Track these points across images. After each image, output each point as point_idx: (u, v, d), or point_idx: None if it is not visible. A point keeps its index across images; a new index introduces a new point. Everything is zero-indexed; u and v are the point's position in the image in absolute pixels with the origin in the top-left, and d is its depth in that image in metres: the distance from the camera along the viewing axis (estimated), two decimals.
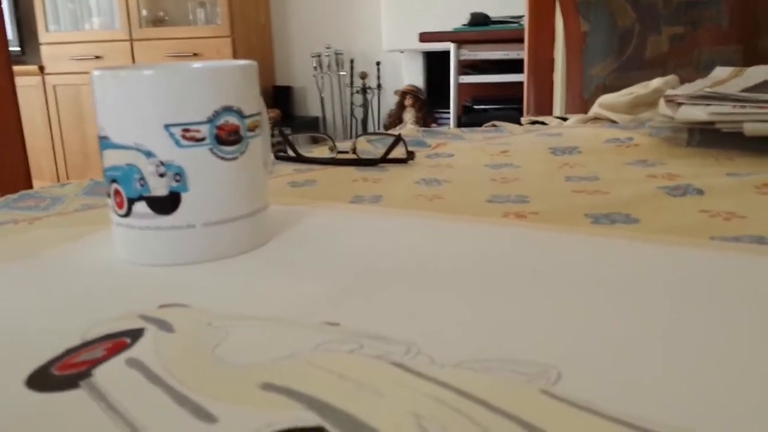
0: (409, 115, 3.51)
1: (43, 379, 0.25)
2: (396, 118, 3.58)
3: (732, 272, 0.33)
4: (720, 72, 0.74)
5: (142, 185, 0.37)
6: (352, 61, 3.92)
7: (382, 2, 3.39)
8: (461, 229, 0.41)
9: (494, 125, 0.93)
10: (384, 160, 0.63)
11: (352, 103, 4.01)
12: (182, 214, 0.37)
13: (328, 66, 3.84)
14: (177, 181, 0.36)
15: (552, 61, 1.08)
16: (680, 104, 0.63)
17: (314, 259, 0.37)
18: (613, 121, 0.90)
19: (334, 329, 0.28)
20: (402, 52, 3.52)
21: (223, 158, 0.37)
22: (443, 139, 0.74)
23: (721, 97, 0.62)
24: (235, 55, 3.49)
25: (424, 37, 2.49)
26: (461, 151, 0.68)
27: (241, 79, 0.38)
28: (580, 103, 1.06)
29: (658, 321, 0.28)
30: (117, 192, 0.38)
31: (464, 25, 2.75)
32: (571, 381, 0.23)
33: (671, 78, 0.87)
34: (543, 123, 0.97)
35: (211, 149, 0.37)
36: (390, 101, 3.74)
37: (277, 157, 0.67)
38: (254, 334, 0.28)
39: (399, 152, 0.64)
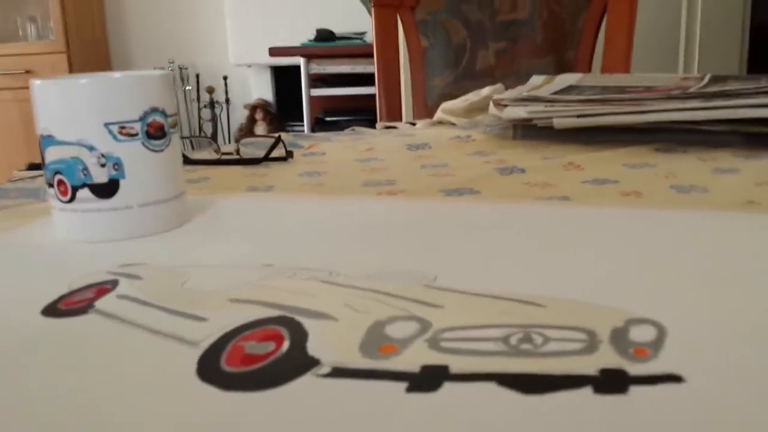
0: (260, 129, 3.56)
1: (55, 311, 0.33)
2: (247, 132, 3.62)
3: (543, 217, 0.46)
4: (535, 80, 0.90)
5: (85, 175, 0.44)
6: (197, 76, 3.91)
7: (227, 17, 3.44)
8: (347, 203, 0.52)
9: (353, 130, 1.05)
10: (267, 158, 0.73)
11: (200, 118, 3.99)
12: (121, 198, 0.45)
13: (173, 81, 3.81)
14: (116, 169, 0.44)
15: (398, 73, 1.22)
16: (505, 106, 0.78)
17: (235, 230, 0.46)
18: (453, 124, 1.05)
19: (271, 267, 0.38)
20: (249, 66, 3.58)
21: (152, 150, 0.45)
22: (314, 141, 0.85)
23: (535, 99, 0.77)
24: (71, 72, 3.36)
25: (274, 51, 2.59)
26: (332, 150, 0.79)
27: (162, 85, 0.46)
28: (424, 109, 1.20)
29: (500, 244, 0.40)
30: (61, 182, 0.44)
31: (311, 40, 2.87)
32: (444, 280, 0.34)
33: (498, 86, 1.03)
34: (395, 128, 1.10)
35: (142, 143, 0.45)
36: (240, 115, 3.77)
37: None
38: (211, 274, 0.37)
39: (278, 152, 0.73)
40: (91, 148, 0.44)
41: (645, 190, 0.54)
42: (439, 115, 1.08)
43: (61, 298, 0.35)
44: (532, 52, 1.17)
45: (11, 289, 0.37)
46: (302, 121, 3.02)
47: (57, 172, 0.45)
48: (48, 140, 0.44)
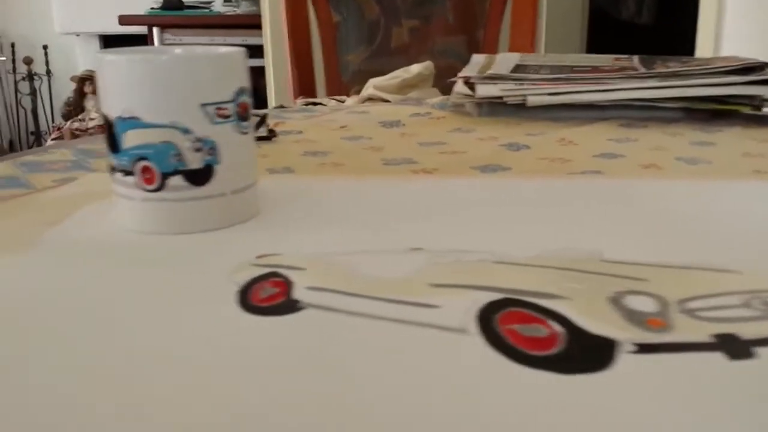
0: (92, 103, 3.29)
1: (258, 309, 0.30)
2: (76, 107, 3.32)
3: (584, 189, 0.50)
4: (477, 58, 0.94)
5: (178, 160, 0.40)
6: (12, 45, 3.53)
7: None
8: (404, 182, 0.52)
9: (282, 107, 1.02)
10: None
11: (17, 92, 3.61)
12: (215, 184, 0.41)
13: None
14: (210, 154, 0.41)
15: (310, 49, 1.19)
16: (474, 84, 0.81)
17: (323, 216, 0.45)
18: (386, 100, 1.06)
19: (425, 251, 0.37)
20: (78, 35, 3.29)
21: (242, 132, 0.42)
22: (275, 119, 0.82)
23: (501, 78, 0.81)
24: None
25: (124, 19, 2.40)
26: (305, 128, 0.77)
27: (245, 63, 0.43)
28: (340, 86, 1.20)
29: (630, 217, 0.43)
30: (146, 169, 0.40)
31: (155, 8, 2.70)
32: (611, 256, 0.36)
33: (428, 64, 1.05)
34: (322, 104, 1.09)
35: (235, 125, 0.42)
36: (65, 89, 3.46)
37: None
38: (371, 261, 0.36)
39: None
40: (185, 131, 0.40)
41: (659, 163, 0.59)
42: (370, 91, 1.08)
43: (243, 293, 0.32)
44: (445, 30, 1.21)
45: (165, 287, 0.33)
46: None
47: (141, 158, 0.40)
48: (130, 123, 0.40)
